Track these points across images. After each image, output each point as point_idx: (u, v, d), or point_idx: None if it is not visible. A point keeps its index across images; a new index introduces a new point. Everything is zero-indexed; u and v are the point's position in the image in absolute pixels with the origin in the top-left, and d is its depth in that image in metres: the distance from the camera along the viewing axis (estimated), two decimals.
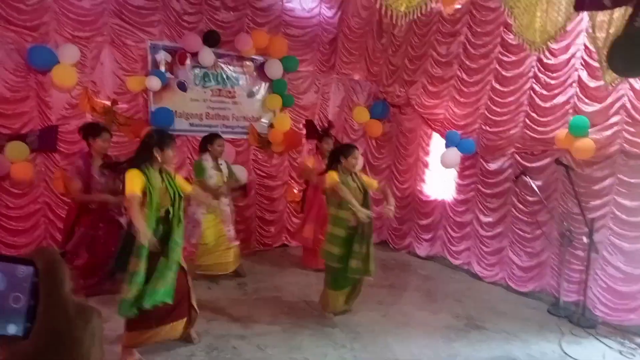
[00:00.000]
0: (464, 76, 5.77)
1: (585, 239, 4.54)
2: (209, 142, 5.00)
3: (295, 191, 6.55)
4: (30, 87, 4.80)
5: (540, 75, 5.01)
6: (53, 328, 0.44)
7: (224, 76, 5.95)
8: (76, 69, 4.88)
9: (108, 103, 5.15)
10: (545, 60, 4.92)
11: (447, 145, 5.84)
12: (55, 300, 0.45)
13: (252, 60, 6.10)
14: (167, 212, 3.30)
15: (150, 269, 3.20)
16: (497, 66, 5.39)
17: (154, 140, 3.28)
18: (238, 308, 4.48)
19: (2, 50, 4.59)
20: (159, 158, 3.25)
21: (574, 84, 4.73)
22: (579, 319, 4.48)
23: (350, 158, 4.08)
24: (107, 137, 4.40)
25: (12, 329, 0.44)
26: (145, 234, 3.03)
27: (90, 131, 4.38)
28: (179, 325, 3.54)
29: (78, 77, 4.89)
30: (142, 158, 3.26)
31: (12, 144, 4.61)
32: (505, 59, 5.31)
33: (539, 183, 5.01)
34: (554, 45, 4.67)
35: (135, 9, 5.28)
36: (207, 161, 4.96)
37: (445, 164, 5.86)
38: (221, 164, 5.08)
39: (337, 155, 4.14)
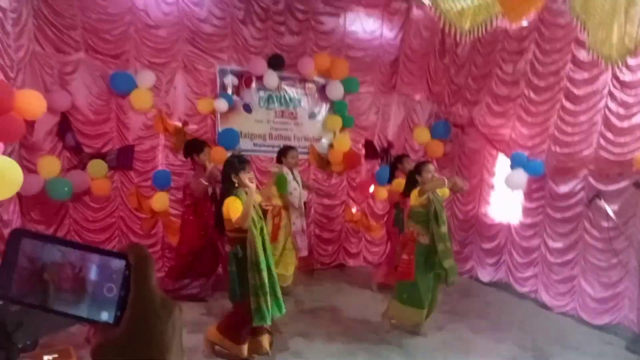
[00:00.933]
0: (532, 95, 5.55)
1: None
2: (282, 154, 5.19)
3: (353, 211, 6.55)
4: (111, 110, 5.23)
5: (616, 92, 4.71)
6: (141, 317, 0.50)
7: (287, 98, 6.14)
8: (152, 93, 5.26)
9: (179, 124, 5.48)
10: (621, 78, 4.63)
11: (512, 167, 5.62)
12: (143, 293, 0.51)
13: (314, 82, 6.25)
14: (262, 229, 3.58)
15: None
16: (568, 84, 5.14)
17: (228, 168, 3.53)
18: (294, 325, 4.52)
19: (90, 77, 5.06)
20: (235, 182, 3.45)
21: None
22: None
23: (424, 173, 4.28)
24: (208, 151, 4.85)
25: (104, 316, 0.50)
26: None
27: (192, 147, 4.88)
28: (266, 340, 3.76)
29: (153, 101, 5.27)
30: (227, 187, 3.52)
31: (93, 162, 5.03)
32: (576, 76, 5.06)
33: (615, 207, 4.67)
34: (631, 61, 4.40)
35: (206, 36, 5.62)
36: (288, 174, 5.14)
37: (511, 185, 5.62)
38: (296, 176, 5.27)
39: (413, 176, 4.40)
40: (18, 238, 0.51)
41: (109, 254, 0.52)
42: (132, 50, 5.28)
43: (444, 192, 4.40)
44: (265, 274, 3.44)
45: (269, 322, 3.53)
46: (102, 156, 5.14)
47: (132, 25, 5.24)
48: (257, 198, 3.78)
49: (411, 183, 4.42)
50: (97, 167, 5.05)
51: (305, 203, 5.84)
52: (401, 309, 4.32)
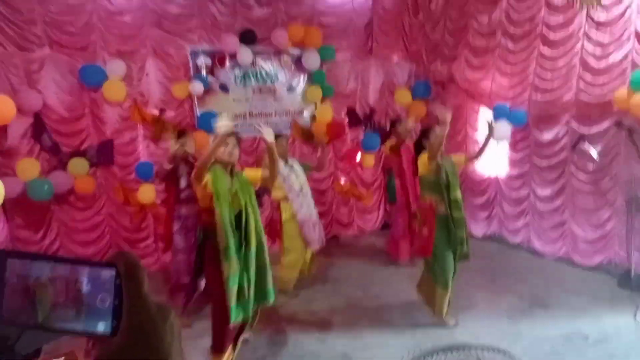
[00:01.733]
0: (509, 44, 5.50)
1: None
2: None
3: (342, 181, 6.55)
4: (85, 105, 5.09)
5: (591, 33, 4.69)
6: (137, 325, 0.48)
7: (263, 73, 6.02)
8: (124, 82, 5.11)
9: (156, 112, 5.36)
10: (596, 17, 4.60)
11: (496, 118, 5.62)
12: (137, 299, 0.49)
13: (289, 53, 6.12)
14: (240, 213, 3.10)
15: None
16: (544, 29, 5.10)
17: None
18: (296, 301, 4.57)
19: (58, 73, 4.89)
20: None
21: (631, 38, 4.39)
22: None
23: (432, 137, 3.81)
24: (182, 141, 4.27)
25: (101, 327, 0.49)
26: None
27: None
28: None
29: (127, 90, 5.12)
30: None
31: (73, 160, 4.92)
32: (552, 20, 5.01)
33: (599, 149, 4.71)
34: (605, 0, 4.37)
35: (173, 17, 5.45)
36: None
37: (495, 137, 5.62)
38: (292, 164, 4.70)
39: (420, 142, 3.96)
40: (3, 259, 0.49)
41: (98, 264, 0.51)
42: (99, 41, 5.10)
43: (459, 160, 4.09)
44: (233, 262, 2.98)
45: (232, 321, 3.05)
46: (81, 154, 5.03)
47: (94, 14, 5.04)
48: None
49: (418, 149, 3.98)
50: (77, 165, 4.94)
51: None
52: (430, 285, 3.96)
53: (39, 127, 4.82)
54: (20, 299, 0.48)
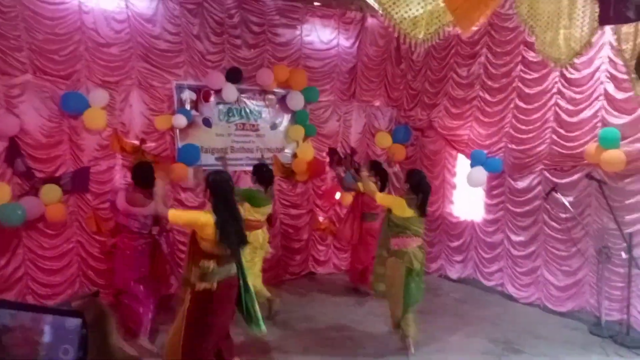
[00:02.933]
0: (487, 96, 5.76)
1: (624, 255, 4.38)
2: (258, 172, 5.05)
3: (320, 219, 6.56)
4: (64, 132, 5.00)
5: (564, 90, 4.96)
6: None
7: (247, 110, 6.08)
8: (106, 111, 5.08)
9: (137, 142, 5.31)
10: (568, 76, 4.88)
11: (472, 165, 5.79)
12: (103, 352, 0.47)
13: (274, 93, 6.23)
14: None
15: None
16: (520, 84, 5.37)
17: None
18: (269, 339, 4.44)
19: (38, 99, 4.82)
20: None
21: (601, 97, 4.67)
22: (624, 339, 4.28)
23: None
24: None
25: None
26: None
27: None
28: None
29: (108, 120, 5.09)
30: None
31: (46, 187, 4.78)
32: (527, 76, 5.29)
33: (570, 199, 4.89)
34: (577, 60, 4.63)
35: (160, 52, 5.50)
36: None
37: (472, 183, 5.79)
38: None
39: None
40: None
41: (62, 313, 0.48)
42: (83, 70, 5.09)
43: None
44: None
45: None
46: (55, 180, 4.89)
47: (82, 44, 5.05)
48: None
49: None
50: (50, 192, 4.79)
51: (270, 215, 5.70)
52: None
53: (13, 151, 4.70)
54: None
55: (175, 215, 3.33)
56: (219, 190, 3.25)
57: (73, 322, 0.45)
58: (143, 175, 4.34)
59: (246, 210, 4.70)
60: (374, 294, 4.75)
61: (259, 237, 4.91)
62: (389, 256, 4.24)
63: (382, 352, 4.17)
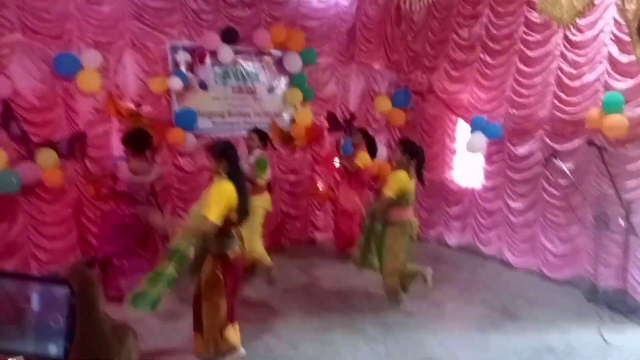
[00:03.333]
0: (488, 59, 5.62)
1: (622, 222, 4.38)
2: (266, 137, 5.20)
3: (319, 185, 6.54)
4: (57, 94, 4.89)
5: (567, 53, 4.83)
6: (89, 348, 0.44)
7: (244, 73, 5.95)
8: (99, 73, 4.95)
9: (132, 106, 5.21)
10: (571, 37, 4.74)
11: (472, 130, 5.72)
12: (90, 321, 0.45)
13: (270, 54, 6.07)
14: None
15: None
16: (522, 46, 5.22)
17: None
18: (269, 305, 4.51)
19: (30, 60, 4.68)
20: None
21: (604, 60, 4.55)
22: (620, 305, 4.34)
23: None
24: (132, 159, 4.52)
25: (52, 349, 0.44)
26: None
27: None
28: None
29: (102, 82, 4.96)
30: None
31: (42, 152, 4.72)
32: (529, 38, 5.14)
33: (570, 165, 4.85)
34: (581, 21, 4.50)
35: (153, 11, 5.31)
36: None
37: (471, 149, 5.74)
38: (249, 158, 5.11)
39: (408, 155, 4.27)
40: None
41: (49, 280, 0.45)
42: (75, 30, 4.92)
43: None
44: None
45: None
46: (52, 145, 4.83)
47: (72, 2, 4.86)
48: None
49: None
50: (46, 156, 4.74)
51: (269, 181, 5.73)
52: None
53: (7, 114, 4.61)
54: None
55: (215, 213, 3.01)
56: (233, 159, 3.24)
57: (61, 291, 0.43)
58: (140, 141, 4.39)
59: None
60: (357, 265, 4.61)
61: (267, 200, 5.10)
62: (388, 226, 4.24)
63: (381, 315, 4.24)
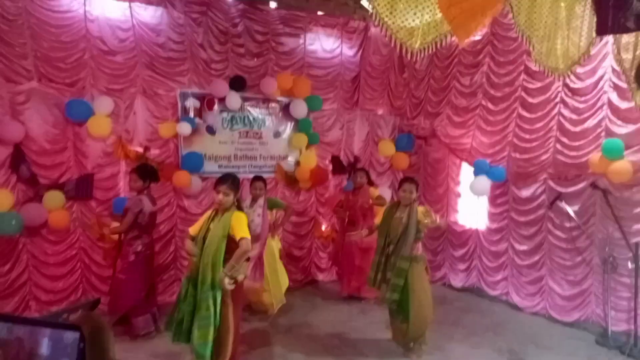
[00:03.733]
0: (489, 105, 5.75)
1: (630, 265, 4.33)
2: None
3: (323, 227, 6.55)
4: (68, 139, 5.03)
5: (568, 99, 4.95)
6: None
7: (251, 118, 6.10)
8: (110, 119, 5.11)
9: (140, 150, 5.34)
10: (572, 85, 4.87)
11: (475, 174, 5.77)
12: None
13: (277, 101, 6.25)
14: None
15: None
16: (523, 93, 5.36)
17: None
18: (272, 346, 4.42)
19: (44, 106, 4.86)
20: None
21: (604, 107, 4.65)
22: (631, 350, 4.21)
23: (400, 190, 4.33)
24: (133, 177, 4.55)
25: None
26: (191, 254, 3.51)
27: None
28: None
29: (112, 127, 5.11)
30: None
31: (49, 193, 4.80)
32: (530, 85, 5.28)
33: (575, 208, 4.85)
34: (580, 69, 4.63)
35: (165, 60, 5.55)
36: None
37: (475, 192, 5.77)
38: (257, 203, 5.06)
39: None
40: None
41: (60, 326, 0.48)
42: (88, 78, 5.14)
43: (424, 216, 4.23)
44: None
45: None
46: (59, 187, 4.92)
47: (87, 52, 5.11)
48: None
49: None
50: (53, 198, 4.81)
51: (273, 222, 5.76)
52: None
53: (18, 157, 4.73)
54: None
55: (248, 239, 3.38)
56: (239, 194, 3.63)
57: (71, 336, 0.45)
58: (147, 171, 4.62)
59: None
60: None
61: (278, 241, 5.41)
62: (413, 262, 4.11)
63: (381, 357, 4.13)
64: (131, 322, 4.50)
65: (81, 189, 5.05)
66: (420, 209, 4.24)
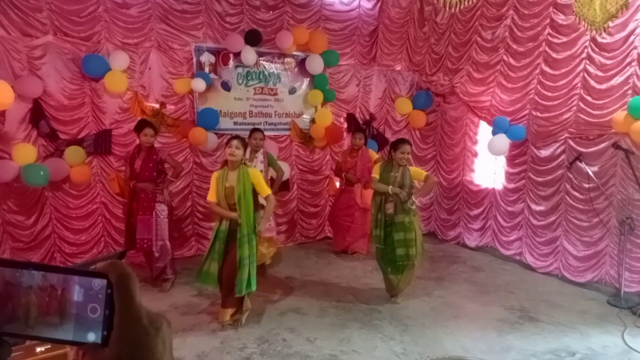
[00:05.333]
0: (511, 61, 5.56)
1: None
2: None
3: (337, 185, 6.57)
4: (85, 94, 5.07)
5: (594, 55, 4.74)
6: (129, 336, 0.48)
7: (266, 74, 6.03)
8: (126, 74, 5.10)
9: (157, 106, 5.35)
10: (600, 40, 4.65)
11: (494, 133, 5.67)
12: (128, 310, 0.49)
13: (293, 56, 6.14)
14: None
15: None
16: (547, 48, 5.16)
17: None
18: (287, 301, 4.56)
19: (60, 61, 4.87)
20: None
21: (634, 63, 4.45)
22: None
23: (398, 152, 4.28)
24: (149, 132, 4.53)
25: (91, 337, 0.48)
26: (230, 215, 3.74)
27: (137, 126, 4.61)
28: (225, 313, 3.98)
29: (128, 82, 5.11)
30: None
31: (70, 148, 4.89)
32: (555, 40, 5.07)
33: (595, 169, 4.76)
34: (610, 24, 4.42)
35: (179, 13, 5.45)
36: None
37: (493, 151, 5.69)
38: (257, 157, 5.00)
39: (390, 150, 4.48)
40: None
41: (90, 274, 0.50)
42: (103, 31, 5.09)
43: (419, 174, 4.40)
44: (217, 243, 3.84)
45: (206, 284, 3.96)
46: (78, 142, 5.00)
47: (101, 4, 5.04)
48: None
49: (388, 156, 4.55)
50: (74, 153, 4.91)
51: (287, 180, 5.85)
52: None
53: (37, 113, 4.79)
54: (8, 307, 0.48)
55: (272, 195, 3.92)
56: None
57: (99, 283, 0.48)
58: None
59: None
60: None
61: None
62: (414, 216, 4.30)
63: (398, 316, 4.24)
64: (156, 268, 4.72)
65: (100, 145, 5.13)
66: (412, 168, 4.41)
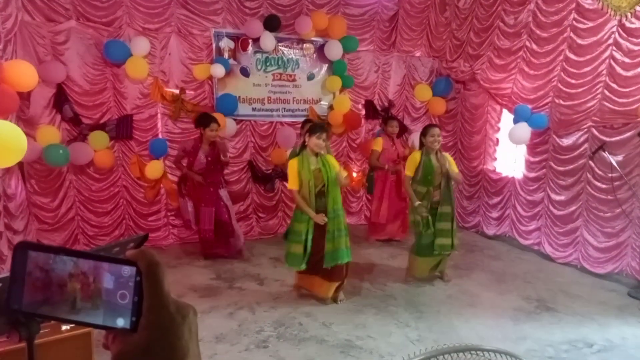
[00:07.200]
0: (534, 47, 5.44)
1: None
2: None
3: (353, 172, 6.56)
4: (107, 79, 5.15)
5: (621, 41, 4.60)
6: (157, 322, 0.51)
7: (285, 60, 6.02)
8: (147, 60, 5.15)
9: (176, 91, 5.40)
10: (628, 25, 4.51)
11: (515, 121, 5.57)
12: (157, 298, 0.51)
13: (312, 42, 6.12)
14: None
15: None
16: (571, 34, 5.02)
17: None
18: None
19: (83, 46, 4.95)
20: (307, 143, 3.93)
21: None
22: None
23: (428, 137, 4.36)
24: (214, 127, 4.87)
25: (120, 322, 0.51)
26: (315, 217, 3.91)
27: (202, 121, 4.87)
28: (331, 287, 4.12)
29: (149, 68, 5.17)
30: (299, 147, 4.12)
31: (94, 133, 4.99)
32: (580, 25, 4.93)
33: (618, 158, 4.65)
34: (638, 6, 4.28)
35: None
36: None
37: (514, 140, 5.60)
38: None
39: (420, 138, 4.51)
40: (24, 251, 0.51)
41: (120, 261, 0.53)
42: (124, 17, 5.15)
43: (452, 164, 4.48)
44: (304, 226, 3.99)
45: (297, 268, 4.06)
46: (101, 127, 5.10)
47: None
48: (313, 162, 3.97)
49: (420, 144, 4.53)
50: (98, 138, 5.01)
51: None
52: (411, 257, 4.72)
53: (61, 97, 4.89)
54: (41, 291, 0.50)
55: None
56: None
57: (128, 270, 0.50)
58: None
59: None
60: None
61: None
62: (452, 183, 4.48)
63: (414, 303, 4.25)
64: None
65: (121, 130, 5.21)
66: (446, 154, 4.49)
